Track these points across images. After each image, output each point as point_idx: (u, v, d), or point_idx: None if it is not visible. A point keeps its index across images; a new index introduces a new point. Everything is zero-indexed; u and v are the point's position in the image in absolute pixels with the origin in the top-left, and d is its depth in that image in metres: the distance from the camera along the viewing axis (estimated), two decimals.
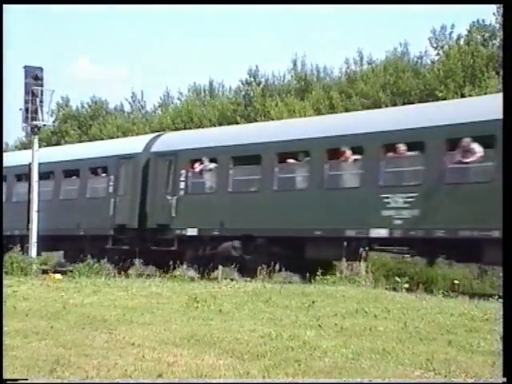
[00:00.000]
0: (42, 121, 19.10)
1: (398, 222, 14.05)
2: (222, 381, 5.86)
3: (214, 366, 6.28)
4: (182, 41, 62.53)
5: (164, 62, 62.20)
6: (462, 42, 26.15)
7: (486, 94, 21.33)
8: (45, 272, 17.79)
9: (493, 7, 25.08)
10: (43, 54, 52.93)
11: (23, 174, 22.06)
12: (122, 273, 17.32)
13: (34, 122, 18.88)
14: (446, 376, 5.96)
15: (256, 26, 59.75)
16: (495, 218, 10.17)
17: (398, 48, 28.43)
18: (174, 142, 19.39)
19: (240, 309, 9.42)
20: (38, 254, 20.94)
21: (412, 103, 21.63)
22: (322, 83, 29.98)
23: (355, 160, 15.10)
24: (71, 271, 17.22)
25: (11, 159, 23.16)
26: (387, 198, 14.22)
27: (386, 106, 23.87)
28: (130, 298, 10.79)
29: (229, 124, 27.13)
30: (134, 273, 17.90)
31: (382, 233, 14.32)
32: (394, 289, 11.83)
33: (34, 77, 18.57)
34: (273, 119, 25.99)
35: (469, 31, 26.15)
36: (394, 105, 23.83)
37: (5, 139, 37.45)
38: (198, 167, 17.85)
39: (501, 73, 23.63)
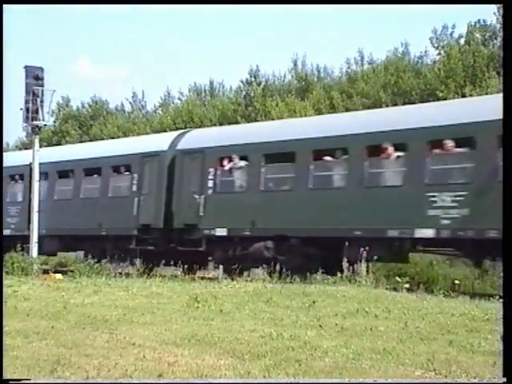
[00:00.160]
0: (43, 121, 19.12)
1: (446, 221, 13.43)
2: (222, 381, 5.86)
3: (214, 365, 6.28)
4: (182, 41, 62.61)
5: (164, 62, 62.24)
6: (462, 41, 26.14)
7: (486, 93, 21.32)
8: (45, 272, 17.79)
9: (493, 7, 25.09)
10: (44, 54, 52.98)
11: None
12: (146, 273, 16.53)
13: (35, 122, 18.90)
14: (446, 376, 5.96)
15: (256, 25, 59.80)
16: None
17: (399, 48, 28.46)
18: (202, 139, 18.79)
19: (241, 309, 9.42)
20: (50, 254, 20.88)
21: (413, 103, 21.60)
22: (323, 83, 29.98)
23: (398, 157, 14.50)
24: (72, 271, 17.22)
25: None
26: (434, 196, 13.57)
27: (387, 106, 23.85)
28: (131, 298, 10.79)
29: (229, 124, 27.09)
30: (134, 272, 17.88)
31: (428, 233, 13.66)
32: (395, 289, 11.82)
33: (34, 77, 18.59)
34: (273, 119, 25.97)
35: (470, 31, 26.12)
36: (395, 105, 23.80)
37: (5, 139, 37.50)
38: (227, 165, 17.30)
39: (501, 73, 23.66)
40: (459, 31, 26.61)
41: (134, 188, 19.22)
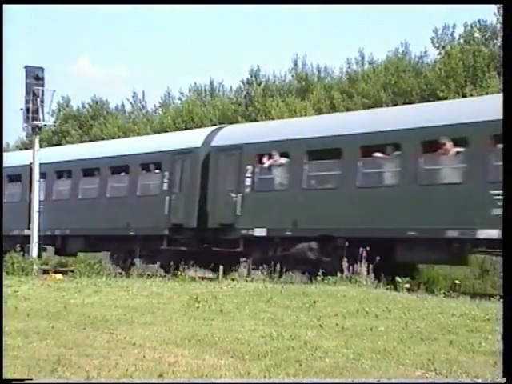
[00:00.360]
0: (43, 121, 19.10)
1: None
2: (223, 381, 5.86)
3: (214, 366, 6.28)
4: (182, 41, 62.58)
5: (165, 62, 62.24)
6: (462, 41, 26.14)
7: (487, 93, 21.31)
8: (46, 272, 17.78)
9: (493, 7, 25.10)
10: (44, 54, 52.99)
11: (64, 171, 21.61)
12: (177, 274, 15.78)
13: (35, 122, 18.88)
14: (447, 376, 5.96)
15: (257, 25, 59.78)
16: None
17: (399, 48, 28.46)
18: (239, 136, 17.95)
19: (241, 309, 9.41)
20: (70, 254, 20.56)
21: (413, 103, 21.58)
22: (323, 83, 29.98)
23: (457, 153, 13.70)
24: (72, 271, 17.20)
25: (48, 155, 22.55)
26: (499, 194, 12.27)
27: (387, 106, 23.85)
28: (131, 298, 10.79)
29: (229, 124, 27.05)
30: (135, 273, 17.86)
31: (493, 234, 12.55)
32: (395, 289, 11.82)
33: (34, 77, 18.58)
34: (273, 119, 25.96)
35: (469, 31, 26.12)
36: (395, 105, 23.79)
37: (6, 139, 37.51)
38: (266, 162, 16.53)
39: (502, 72, 23.67)
40: (460, 31, 26.64)
41: (165, 186, 18.51)
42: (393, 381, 5.83)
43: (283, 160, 16.35)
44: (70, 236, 20.58)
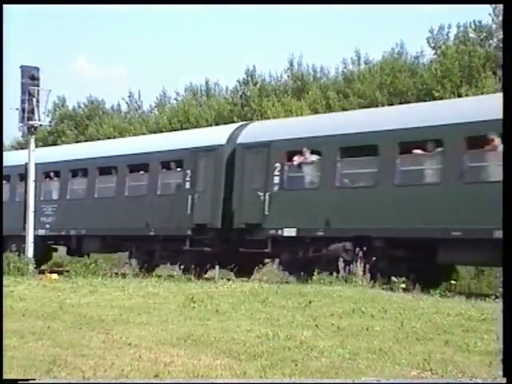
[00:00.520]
0: (39, 121, 19.08)
1: None
2: (218, 381, 5.86)
3: (210, 366, 6.28)
4: (179, 41, 62.55)
5: (161, 62, 62.17)
6: (457, 41, 26.19)
7: (482, 93, 21.35)
8: (41, 272, 17.75)
9: (489, 8, 25.18)
10: (40, 54, 52.89)
11: (79, 170, 21.17)
12: (199, 276, 15.68)
13: (31, 122, 18.86)
14: (442, 376, 5.97)
15: (253, 25, 59.78)
16: None
17: (395, 48, 28.50)
18: (266, 132, 17.29)
19: (237, 309, 9.41)
20: (83, 255, 19.99)
21: (409, 103, 21.59)
22: (319, 83, 30.00)
23: None
24: (68, 271, 17.18)
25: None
26: None
27: (383, 106, 23.87)
28: (127, 298, 10.78)
29: (225, 124, 27.02)
30: (130, 273, 17.85)
31: None
32: (391, 289, 11.84)
33: (30, 77, 18.55)
34: (269, 119, 25.96)
35: (464, 32, 26.17)
36: (390, 105, 23.82)
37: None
38: (296, 160, 15.89)
39: (498, 73, 23.72)
40: (455, 31, 26.68)
41: (187, 185, 17.88)
42: (391, 381, 5.84)
43: (314, 157, 15.77)
44: (85, 236, 20.07)
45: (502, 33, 25.19)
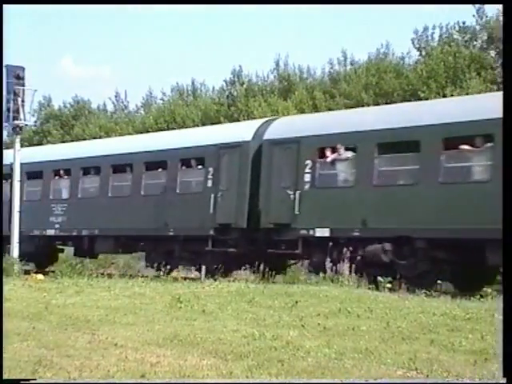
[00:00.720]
0: (24, 120, 18.99)
1: None
2: (205, 381, 5.86)
3: (197, 366, 6.28)
4: (164, 41, 62.42)
5: (147, 62, 62.06)
6: (442, 42, 26.35)
7: (467, 94, 21.47)
8: (27, 272, 17.66)
9: (472, 9, 25.40)
10: (26, 53, 52.64)
11: (92, 167, 20.38)
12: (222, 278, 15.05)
13: (16, 122, 18.78)
14: (428, 375, 6.00)
15: (239, 25, 59.79)
16: None
17: (381, 48, 28.61)
18: (295, 128, 16.45)
19: (223, 309, 9.42)
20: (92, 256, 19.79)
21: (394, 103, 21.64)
22: (305, 83, 30.06)
23: None
24: (53, 271, 17.10)
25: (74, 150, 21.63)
26: None
27: (369, 107, 23.94)
28: (113, 299, 10.75)
29: (212, 124, 27.03)
30: (117, 273, 17.79)
31: None
32: (377, 289, 11.88)
33: (15, 76, 18.46)
34: (256, 119, 25.96)
35: (449, 33, 26.32)
36: (376, 105, 23.91)
37: None
38: (329, 156, 15.15)
39: (482, 74, 23.90)
40: (440, 32, 26.82)
41: (209, 183, 17.11)
42: (379, 381, 5.86)
43: (349, 154, 15.04)
44: (98, 236, 19.39)
45: (485, 34, 25.46)
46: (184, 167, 18.08)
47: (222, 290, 11.41)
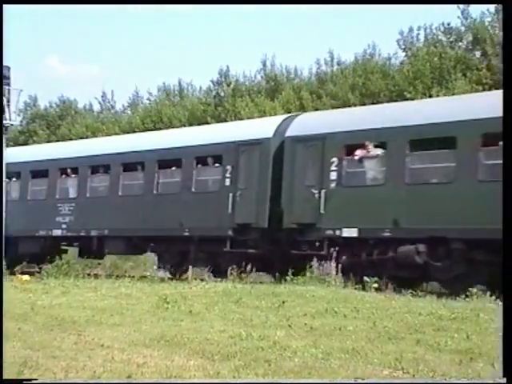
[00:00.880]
0: (10, 120, 18.90)
1: None
2: (192, 381, 5.85)
3: (184, 366, 6.27)
4: (153, 41, 62.25)
5: (134, 62, 61.88)
6: (428, 43, 26.47)
7: (453, 94, 21.57)
8: (12, 273, 17.54)
9: (457, 10, 25.54)
10: (11, 52, 52.33)
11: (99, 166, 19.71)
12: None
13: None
14: (414, 375, 6.03)
15: (226, 25, 59.74)
16: None
17: (367, 49, 28.70)
18: (320, 124, 15.82)
19: (210, 309, 9.41)
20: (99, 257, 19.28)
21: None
22: (292, 84, 30.10)
23: None
24: (39, 272, 17.01)
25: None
26: None
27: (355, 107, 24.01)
28: (100, 299, 10.72)
29: (198, 124, 26.99)
30: (103, 273, 17.71)
31: None
32: (364, 289, 11.91)
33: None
34: (243, 119, 25.97)
35: (434, 34, 26.45)
36: (363, 105, 23.98)
37: None
38: (358, 153, 14.57)
39: (468, 74, 24.03)
40: (425, 33, 26.92)
41: (227, 182, 16.49)
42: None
43: (378, 151, 14.47)
44: (108, 237, 18.72)
45: (470, 35, 25.61)
46: (200, 165, 17.47)
47: (208, 291, 11.40)
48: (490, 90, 21.36)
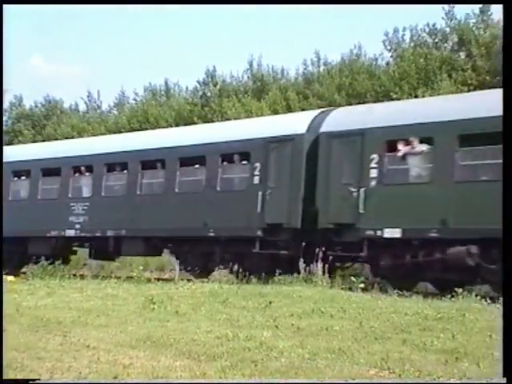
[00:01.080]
0: None
1: None
2: (178, 381, 5.84)
3: (170, 367, 6.26)
4: (138, 40, 62.10)
5: (120, 62, 61.67)
6: (413, 44, 26.60)
7: (439, 95, 21.68)
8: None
9: (441, 12, 25.69)
10: None
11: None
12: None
13: None
14: (400, 375, 6.05)
15: (213, 25, 59.71)
16: None
17: (353, 49, 28.78)
18: (358, 119, 14.98)
19: (197, 310, 9.40)
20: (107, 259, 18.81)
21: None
22: (279, 84, 30.13)
23: None
24: (24, 273, 16.91)
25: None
26: None
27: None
28: (85, 300, 10.68)
29: (185, 125, 26.94)
30: (89, 274, 17.64)
31: None
32: (350, 289, 11.95)
33: None
34: (229, 119, 25.96)
35: (419, 35, 26.58)
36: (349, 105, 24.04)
37: None
38: (401, 150, 13.84)
39: (453, 75, 24.17)
40: (410, 34, 27.06)
41: (256, 180, 15.77)
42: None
43: (424, 147, 13.69)
44: (125, 237, 18.04)
45: (455, 36, 25.76)
46: (225, 163, 16.74)
47: (195, 291, 11.38)
48: (475, 90, 21.52)
